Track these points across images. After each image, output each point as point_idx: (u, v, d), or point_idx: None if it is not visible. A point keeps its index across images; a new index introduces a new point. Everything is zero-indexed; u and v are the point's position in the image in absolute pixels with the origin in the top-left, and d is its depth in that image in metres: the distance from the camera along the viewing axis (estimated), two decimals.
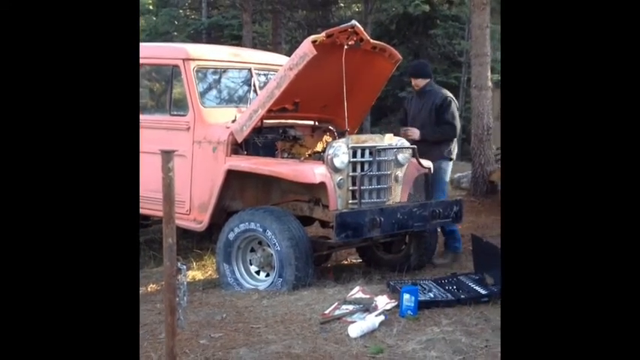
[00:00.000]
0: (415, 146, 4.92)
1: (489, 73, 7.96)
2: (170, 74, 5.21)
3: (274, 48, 14.93)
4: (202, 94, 5.15)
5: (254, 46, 14.46)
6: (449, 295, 4.00)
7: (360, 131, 5.62)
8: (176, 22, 19.84)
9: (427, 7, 16.01)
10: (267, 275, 4.57)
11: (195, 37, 17.48)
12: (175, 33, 19.03)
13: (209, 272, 5.28)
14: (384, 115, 17.62)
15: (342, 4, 19.67)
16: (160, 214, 2.53)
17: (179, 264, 2.45)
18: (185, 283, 2.47)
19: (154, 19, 20.36)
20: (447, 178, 5.66)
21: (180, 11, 20.83)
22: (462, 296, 3.94)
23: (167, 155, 2.39)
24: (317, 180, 4.37)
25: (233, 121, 4.85)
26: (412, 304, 3.65)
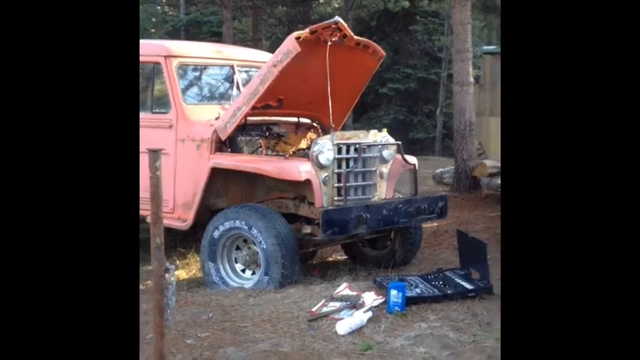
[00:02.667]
0: (400, 142, 4.93)
1: (471, 69, 7.99)
2: (151, 71, 5.15)
3: (254, 44, 14.85)
4: (184, 92, 5.10)
5: (234, 43, 14.36)
6: (435, 290, 4.01)
7: (343, 128, 5.62)
8: (154, 19, 19.64)
9: (407, 4, 16.07)
10: (253, 273, 4.54)
11: (173, 34, 17.30)
12: (153, 30, 18.84)
13: (193, 271, 5.24)
14: (366, 111, 17.66)
15: (322, 1, 19.64)
16: (146, 213, 2.50)
17: (167, 263, 2.42)
18: (174, 283, 2.44)
19: None
20: None
21: (158, 8, 20.65)
22: (449, 292, 3.96)
23: (154, 154, 2.34)
24: (302, 177, 4.34)
25: (217, 119, 4.81)
26: (399, 301, 3.65)
